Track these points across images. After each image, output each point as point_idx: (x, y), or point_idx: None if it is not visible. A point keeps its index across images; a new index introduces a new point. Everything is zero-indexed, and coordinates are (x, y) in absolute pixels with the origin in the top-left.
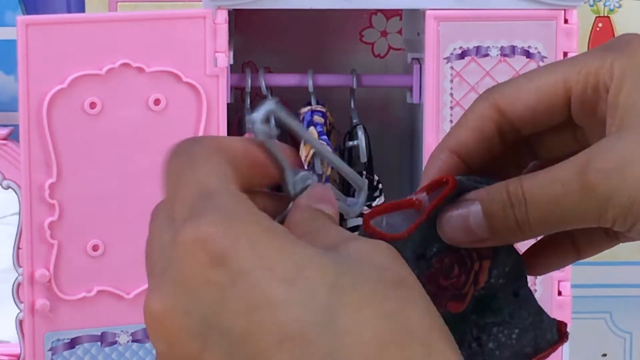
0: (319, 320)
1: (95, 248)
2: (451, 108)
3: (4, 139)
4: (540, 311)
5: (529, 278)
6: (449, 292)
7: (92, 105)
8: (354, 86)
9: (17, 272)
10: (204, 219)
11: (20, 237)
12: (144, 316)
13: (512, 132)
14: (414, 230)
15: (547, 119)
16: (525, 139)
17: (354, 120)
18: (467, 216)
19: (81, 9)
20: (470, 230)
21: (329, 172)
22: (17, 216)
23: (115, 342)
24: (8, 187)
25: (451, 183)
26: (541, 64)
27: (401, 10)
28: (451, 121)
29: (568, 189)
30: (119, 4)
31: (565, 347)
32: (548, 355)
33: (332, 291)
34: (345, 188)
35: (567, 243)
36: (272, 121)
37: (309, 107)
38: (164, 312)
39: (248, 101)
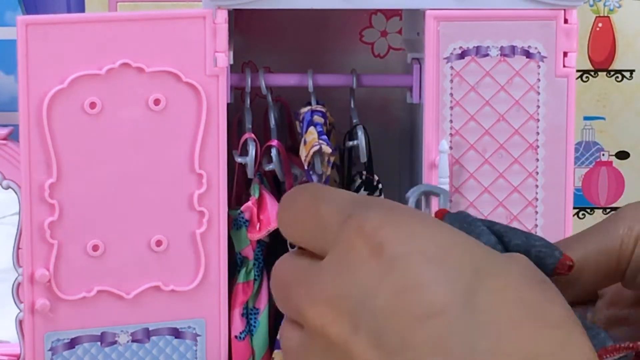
0: (460, 300)
1: (95, 248)
2: (451, 108)
3: (4, 139)
4: None
5: None
6: None
7: (92, 105)
8: (354, 86)
9: (17, 272)
10: (368, 211)
11: (20, 237)
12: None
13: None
14: None
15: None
16: None
17: (354, 120)
18: None
19: (81, 9)
20: None
21: (329, 172)
22: (17, 216)
23: (115, 342)
24: (8, 187)
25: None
26: (541, 63)
27: (401, 10)
28: (451, 121)
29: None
30: (119, 4)
31: None
32: None
33: (477, 274)
34: (346, 189)
35: None
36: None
37: (309, 107)
38: (324, 295)
39: (248, 101)
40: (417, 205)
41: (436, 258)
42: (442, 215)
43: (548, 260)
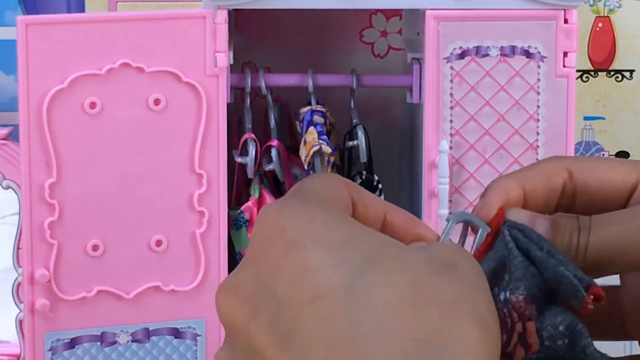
0: (346, 282)
1: (95, 248)
2: (451, 108)
3: (4, 139)
4: None
5: None
6: None
7: (92, 105)
8: (354, 86)
9: (17, 272)
10: (277, 202)
11: (20, 237)
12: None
13: (569, 198)
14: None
15: (606, 201)
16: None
17: (354, 120)
18: (535, 219)
19: (81, 9)
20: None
21: (329, 172)
22: (17, 216)
23: (115, 342)
24: (8, 187)
25: (499, 217)
26: (541, 63)
27: (401, 10)
28: (451, 121)
29: (634, 213)
30: (119, 4)
31: None
32: None
33: (369, 259)
34: None
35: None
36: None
37: (309, 107)
38: (228, 287)
39: (248, 101)
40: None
41: (329, 244)
42: (500, 219)
43: (572, 301)
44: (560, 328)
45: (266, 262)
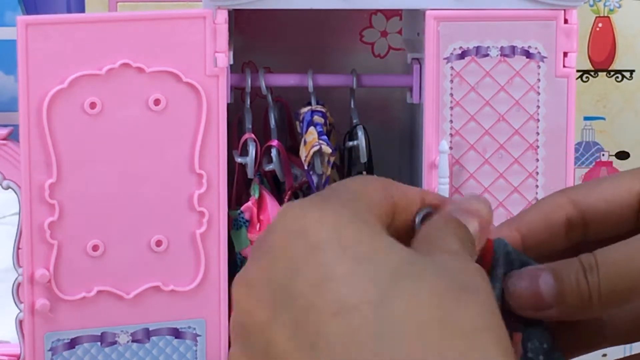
0: (374, 299)
1: (95, 248)
2: (451, 108)
3: (4, 139)
4: None
5: None
6: None
7: (92, 105)
8: (354, 86)
9: (17, 272)
10: (302, 200)
11: (20, 237)
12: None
13: (580, 227)
14: None
15: (618, 218)
16: (590, 246)
17: (354, 120)
18: (537, 278)
19: (81, 9)
20: (539, 294)
21: (329, 172)
22: (17, 216)
23: (115, 342)
24: (8, 187)
25: (489, 244)
26: (541, 63)
27: (401, 10)
28: (451, 121)
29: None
30: (119, 4)
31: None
32: None
33: (394, 275)
34: None
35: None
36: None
37: (309, 107)
38: (247, 281)
39: (248, 101)
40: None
41: (355, 255)
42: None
43: None
44: (545, 345)
45: (284, 260)
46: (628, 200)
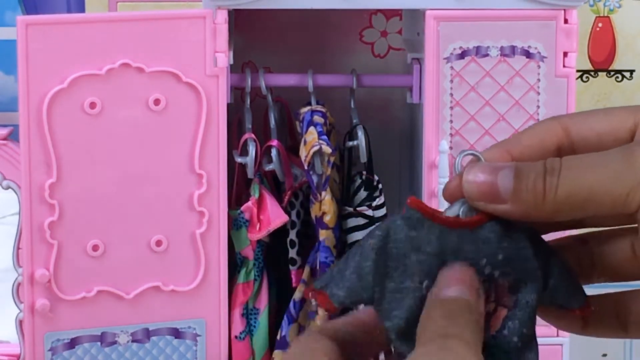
0: None
1: (95, 248)
2: (451, 108)
3: (4, 139)
4: None
5: None
6: None
7: (92, 105)
8: (354, 86)
9: (17, 272)
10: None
11: (20, 237)
12: None
13: (569, 155)
14: (475, 225)
15: (609, 149)
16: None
17: (354, 120)
18: (497, 171)
19: (81, 9)
20: (495, 187)
21: (329, 172)
22: (17, 216)
23: (115, 342)
24: (8, 187)
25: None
26: (541, 63)
27: (401, 10)
28: (451, 121)
29: (607, 158)
30: (119, 4)
31: (565, 348)
32: None
33: None
34: (346, 189)
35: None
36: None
37: (309, 107)
38: None
39: (248, 101)
40: None
41: None
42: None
43: (572, 301)
44: (524, 330)
45: None
46: (619, 134)
